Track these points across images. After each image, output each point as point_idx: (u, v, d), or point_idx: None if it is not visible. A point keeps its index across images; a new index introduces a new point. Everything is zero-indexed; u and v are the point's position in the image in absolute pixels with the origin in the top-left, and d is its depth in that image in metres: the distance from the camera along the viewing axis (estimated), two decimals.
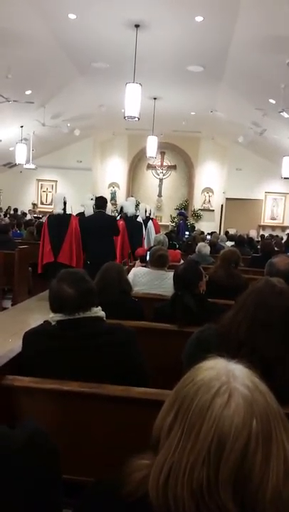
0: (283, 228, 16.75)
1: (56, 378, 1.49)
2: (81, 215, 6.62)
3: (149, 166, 17.90)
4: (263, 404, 0.68)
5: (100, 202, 6.09)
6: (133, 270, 3.39)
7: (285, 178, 12.86)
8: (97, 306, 1.65)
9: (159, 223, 11.92)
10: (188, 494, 0.64)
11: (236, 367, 0.73)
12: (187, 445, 0.66)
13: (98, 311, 1.64)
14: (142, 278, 3.20)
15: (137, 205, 8.87)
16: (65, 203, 6.23)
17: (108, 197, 17.06)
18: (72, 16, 6.94)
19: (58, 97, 10.98)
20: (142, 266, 3.75)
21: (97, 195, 6.60)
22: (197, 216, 17.62)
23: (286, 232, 15.52)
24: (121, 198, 15.54)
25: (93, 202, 6.39)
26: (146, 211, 8.73)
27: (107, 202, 6.24)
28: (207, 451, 0.64)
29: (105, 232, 5.74)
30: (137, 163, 17.76)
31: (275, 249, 7.09)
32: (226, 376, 0.70)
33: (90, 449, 1.48)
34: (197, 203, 17.89)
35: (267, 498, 0.63)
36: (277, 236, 13.67)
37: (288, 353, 1.29)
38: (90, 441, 1.49)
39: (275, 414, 0.69)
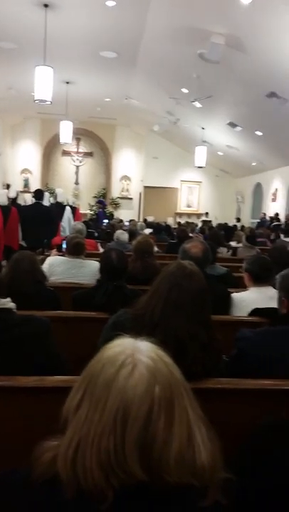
0: (198, 215, 17.51)
1: None
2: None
3: (65, 153, 17.45)
4: (166, 373, 0.71)
5: (38, 194, 7.07)
6: (48, 259, 3.29)
7: (198, 167, 13.42)
8: (5, 298, 1.57)
9: None
10: (96, 465, 0.65)
11: (142, 343, 0.76)
12: (94, 418, 0.67)
13: (6, 303, 1.56)
14: (58, 267, 3.12)
15: (52, 193, 8.72)
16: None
17: (20, 184, 16.32)
18: None
19: None
20: (59, 255, 3.67)
21: (7, 183, 6.96)
22: (116, 204, 17.66)
23: (201, 219, 16.25)
24: (34, 185, 14.91)
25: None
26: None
27: (43, 193, 7.31)
28: (113, 420, 0.66)
29: (42, 222, 6.46)
30: (51, 148, 17.17)
31: (190, 235, 7.38)
32: (131, 350, 0.72)
33: (8, 443, 1.43)
34: (115, 191, 17.90)
35: (171, 460, 0.66)
36: (192, 223, 14.24)
37: (200, 332, 1.35)
38: (7, 435, 1.43)
39: (178, 383, 0.72)
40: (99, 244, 6.14)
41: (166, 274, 1.44)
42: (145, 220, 12.85)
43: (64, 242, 3.70)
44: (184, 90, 10.21)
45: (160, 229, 9.85)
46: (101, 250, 5.28)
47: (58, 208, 7.83)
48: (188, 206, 18.25)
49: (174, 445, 0.67)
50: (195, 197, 18.27)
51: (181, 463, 0.67)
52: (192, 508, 0.66)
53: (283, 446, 0.80)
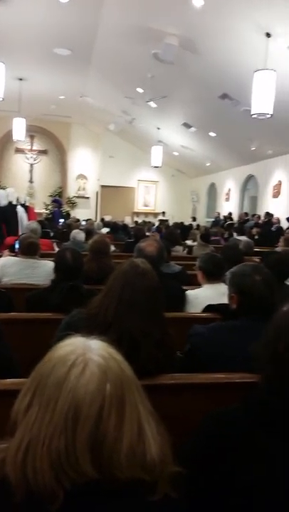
0: (155, 214, 17.66)
1: None
2: None
3: (18, 150, 16.97)
4: (117, 370, 0.72)
5: None
6: (0, 260, 3.20)
7: (154, 166, 13.53)
8: None
9: None
10: (47, 465, 0.64)
11: (93, 341, 0.76)
12: (45, 418, 0.67)
13: None
14: (10, 268, 3.03)
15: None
16: None
17: None
18: None
19: None
20: (12, 255, 3.57)
21: None
22: (72, 203, 17.43)
23: (158, 218, 16.39)
24: None
25: None
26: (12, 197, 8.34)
27: None
28: (64, 420, 0.66)
29: None
30: (4, 145, 16.65)
31: (147, 234, 7.43)
32: (82, 349, 0.72)
33: None
34: (72, 190, 17.67)
35: (122, 457, 0.67)
36: (149, 222, 14.34)
37: (153, 329, 1.37)
38: None
39: (129, 380, 0.73)
40: (54, 244, 6.04)
41: (119, 272, 1.44)
42: (102, 220, 12.79)
43: (17, 242, 3.61)
44: (139, 90, 10.25)
45: (117, 228, 9.83)
46: (57, 250, 5.19)
47: (10, 207, 7.61)
48: (146, 205, 18.35)
49: (124, 442, 0.68)
50: (152, 196, 18.41)
51: (131, 459, 0.68)
52: (142, 503, 0.67)
53: (231, 435, 0.83)
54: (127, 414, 0.69)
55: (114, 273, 1.48)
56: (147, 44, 7.68)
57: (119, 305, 1.36)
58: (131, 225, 12.49)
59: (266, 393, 0.84)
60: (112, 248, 5.39)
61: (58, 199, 15.23)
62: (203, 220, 16.32)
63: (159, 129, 13.04)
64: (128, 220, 14.69)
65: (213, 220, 14.50)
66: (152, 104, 10.39)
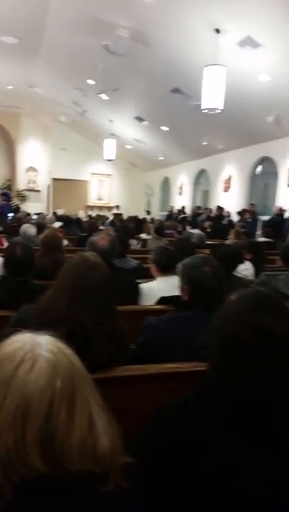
0: (109, 208, 17.56)
1: None
2: None
3: None
4: (67, 365, 0.71)
5: None
6: None
7: (107, 159, 13.42)
8: None
9: None
10: None
11: (42, 337, 0.74)
12: None
13: None
14: None
15: None
16: None
17: None
18: None
19: None
20: None
21: None
22: (22, 197, 16.92)
23: (112, 212, 16.31)
24: None
25: None
26: None
27: None
28: (13, 417, 0.65)
29: None
30: None
31: (100, 227, 7.37)
32: (31, 345, 0.71)
33: None
34: (21, 183, 17.15)
35: (73, 450, 0.67)
36: (103, 216, 14.23)
37: (105, 322, 1.36)
38: None
39: (79, 373, 0.72)
40: (4, 239, 5.85)
41: (69, 266, 1.42)
42: (55, 213, 12.53)
43: None
44: (90, 82, 10.10)
45: (70, 222, 9.68)
46: (6, 245, 5.03)
47: None
48: (99, 199, 18.20)
49: (75, 435, 0.67)
50: (105, 190, 18.27)
51: (82, 451, 0.67)
52: (93, 494, 0.67)
53: (183, 424, 0.84)
54: (78, 407, 0.69)
55: (64, 267, 1.45)
56: (98, 35, 7.57)
57: (71, 299, 1.34)
58: (84, 219, 12.35)
59: (214, 380, 0.86)
60: (65, 242, 5.30)
61: (6, 192, 14.74)
62: (158, 213, 16.47)
63: (111, 121, 12.94)
64: (82, 214, 14.48)
65: (167, 213, 14.66)
66: (104, 97, 10.28)
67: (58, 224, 8.52)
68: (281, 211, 9.47)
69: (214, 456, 0.78)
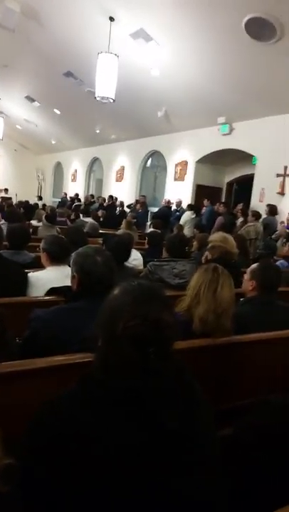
0: None
1: None
2: None
3: None
4: None
5: None
6: None
7: None
8: None
9: None
10: None
11: None
12: None
13: None
14: None
15: None
16: None
17: None
18: None
19: None
20: None
21: None
22: None
23: (0, 195, 15.37)
24: None
25: None
26: None
27: None
28: None
29: None
30: None
31: None
32: None
33: None
34: None
35: None
36: None
37: None
38: None
39: None
40: None
41: None
42: None
43: None
44: None
45: None
46: None
47: None
48: None
49: None
50: None
51: None
52: None
53: (67, 420, 0.84)
54: None
55: None
56: None
57: None
58: None
59: (102, 372, 0.87)
60: None
61: None
62: (50, 199, 15.99)
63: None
64: None
65: (59, 200, 14.31)
66: None
67: None
68: (169, 204, 9.96)
69: (102, 448, 0.79)
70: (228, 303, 1.76)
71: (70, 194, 14.48)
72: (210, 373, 1.70)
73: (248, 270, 2.36)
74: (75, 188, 15.14)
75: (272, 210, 7.52)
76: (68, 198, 14.04)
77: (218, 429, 0.97)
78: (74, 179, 15.64)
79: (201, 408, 0.90)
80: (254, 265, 2.37)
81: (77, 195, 14.09)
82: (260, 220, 7.32)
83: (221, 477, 0.89)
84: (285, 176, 7.73)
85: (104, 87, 6.76)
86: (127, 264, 3.16)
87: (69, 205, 12.42)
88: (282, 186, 7.77)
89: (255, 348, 1.90)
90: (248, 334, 1.89)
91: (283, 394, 1.18)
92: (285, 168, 7.68)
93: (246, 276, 2.36)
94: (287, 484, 0.94)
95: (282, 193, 7.80)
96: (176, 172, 10.58)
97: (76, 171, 15.53)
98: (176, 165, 10.54)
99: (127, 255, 3.20)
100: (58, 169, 16.94)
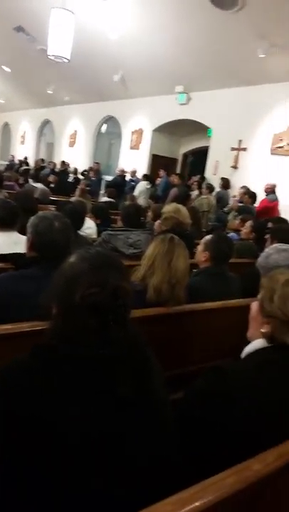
0: None
1: None
2: None
3: None
4: None
5: None
6: None
7: None
8: None
9: None
10: None
11: None
12: None
13: None
14: None
15: None
16: None
17: None
18: None
19: None
20: None
21: None
22: None
23: None
24: None
25: None
26: None
27: None
28: None
29: None
30: None
31: None
32: None
33: None
34: None
35: None
36: None
37: None
38: None
39: None
40: None
41: None
42: None
43: None
44: None
45: None
46: None
47: None
48: None
49: None
50: None
51: None
52: None
53: (20, 388, 0.81)
54: None
55: None
56: None
57: None
58: None
59: (59, 341, 0.84)
60: None
61: None
62: None
63: None
64: None
65: (7, 163, 13.62)
66: None
67: None
68: (123, 172, 9.79)
69: (59, 414, 0.77)
70: (182, 273, 1.78)
71: (19, 157, 13.82)
72: (163, 341, 1.72)
73: (202, 241, 2.38)
74: (24, 151, 14.46)
75: (226, 183, 7.65)
76: (16, 161, 13.40)
77: (170, 394, 0.99)
78: (23, 141, 14.92)
79: (153, 374, 0.91)
80: (208, 237, 2.39)
81: (26, 158, 13.48)
82: (214, 193, 7.42)
83: (173, 437, 0.91)
84: (239, 149, 7.84)
85: (58, 46, 6.37)
86: (80, 232, 3.09)
87: (17, 169, 11.86)
88: (236, 160, 7.89)
89: (208, 317, 1.95)
90: (201, 303, 1.93)
91: (233, 360, 1.23)
92: (240, 142, 7.78)
93: (200, 248, 2.38)
94: (231, 443, 0.98)
95: (235, 167, 7.93)
96: (131, 140, 10.39)
97: (25, 132, 14.80)
98: (132, 133, 10.34)
99: (81, 223, 3.14)
100: (6, 130, 16.06)
